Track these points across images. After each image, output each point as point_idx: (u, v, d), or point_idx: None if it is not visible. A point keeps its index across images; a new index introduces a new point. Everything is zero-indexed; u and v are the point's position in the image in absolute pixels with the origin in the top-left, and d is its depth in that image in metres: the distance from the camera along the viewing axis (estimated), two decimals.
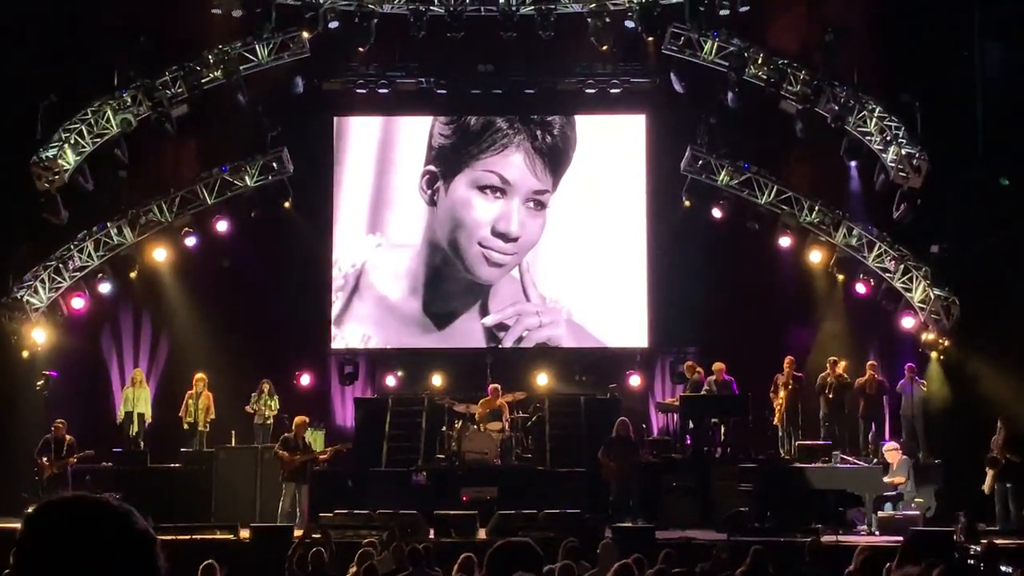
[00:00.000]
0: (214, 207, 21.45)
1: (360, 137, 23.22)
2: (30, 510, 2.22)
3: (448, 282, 22.67)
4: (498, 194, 22.55)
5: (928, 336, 20.58)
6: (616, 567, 8.49)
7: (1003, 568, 10.76)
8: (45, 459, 17.86)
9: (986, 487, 17.66)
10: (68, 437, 18.13)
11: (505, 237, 22.48)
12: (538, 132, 22.69)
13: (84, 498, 2.23)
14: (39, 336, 20.26)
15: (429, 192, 22.67)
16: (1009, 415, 17.85)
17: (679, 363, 21.92)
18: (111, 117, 20.41)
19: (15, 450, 19.12)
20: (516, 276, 22.58)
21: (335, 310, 22.64)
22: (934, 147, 19.96)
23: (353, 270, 22.67)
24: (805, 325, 22.13)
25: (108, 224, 20.95)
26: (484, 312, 22.56)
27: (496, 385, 19.95)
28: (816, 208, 21.14)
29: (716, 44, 20.74)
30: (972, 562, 12.63)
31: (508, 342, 22.51)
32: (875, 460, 18.90)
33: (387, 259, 22.76)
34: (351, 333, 22.68)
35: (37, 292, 20.40)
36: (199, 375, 20.24)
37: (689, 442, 20.03)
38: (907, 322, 20.94)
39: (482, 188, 22.59)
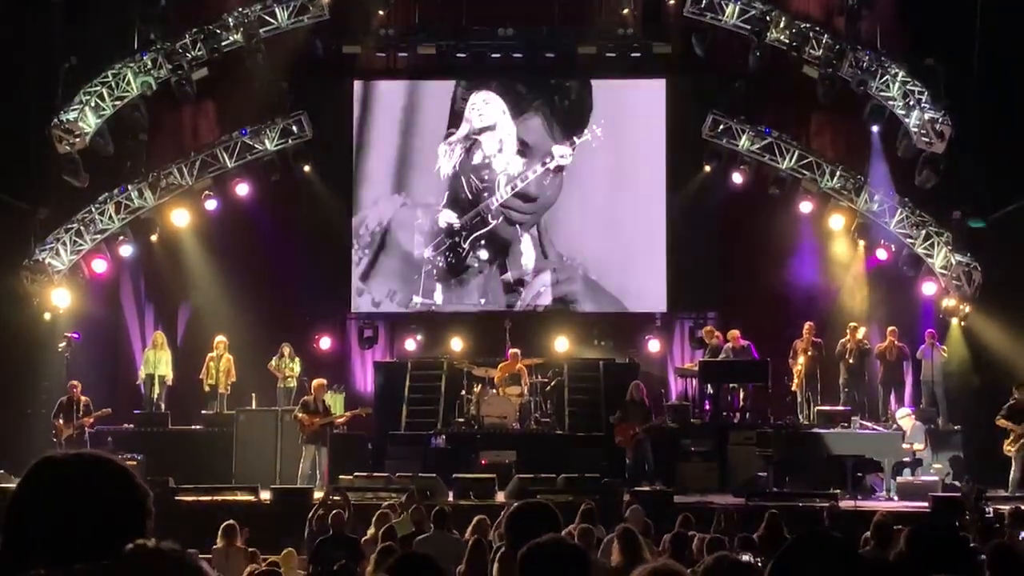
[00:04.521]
0: (234, 170, 21.48)
1: (382, 100, 23.19)
2: (33, 464, 2.24)
3: (470, 240, 22.86)
4: (518, 153, 22.74)
5: (949, 302, 20.49)
6: (618, 530, 8.49)
7: None
8: (60, 421, 18.00)
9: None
10: (83, 398, 18.24)
11: (524, 197, 22.71)
12: (555, 97, 22.79)
13: (85, 453, 2.26)
14: (61, 298, 20.33)
15: (452, 154, 22.78)
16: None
17: (698, 328, 21.92)
18: (131, 80, 20.41)
19: (37, 412, 19.27)
20: (535, 235, 22.80)
21: (362, 266, 22.87)
22: (957, 112, 19.80)
23: (379, 228, 22.89)
24: (825, 290, 22.08)
25: (129, 187, 21.00)
26: (503, 269, 22.80)
27: (516, 350, 20.00)
28: (837, 173, 21.03)
29: (738, 7, 20.56)
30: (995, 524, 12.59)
31: (527, 297, 22.70)
32: (894, 426, 18.90)
33: (411, 218, 22.98)
34: (377, 288, 22.93)
35: (59, 255, 20.49)
36: (220, 338, 20.36)
37: (708, 407, 20.04)
38: (928, 288, 20.86)
39: (502, 150, 22.73)
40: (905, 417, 18.60)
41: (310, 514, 13.16)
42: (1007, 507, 13.06)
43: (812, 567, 2.70)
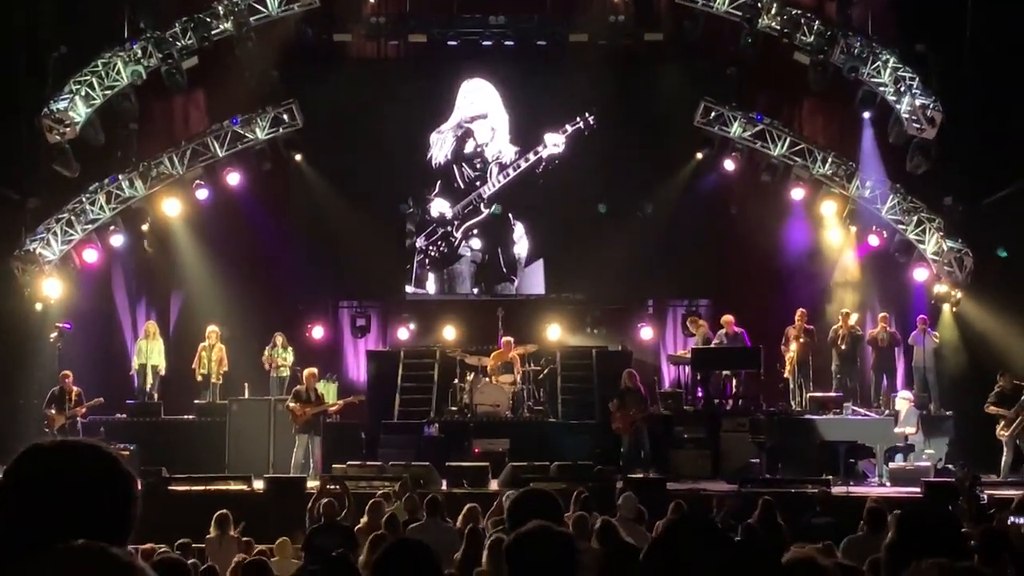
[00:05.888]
0: (225, 159, 21.42)
1: (373, 88, 23.12)
2: (18, 453, 2.24)
3: (462, 229, 23.07)
4: (510, 141, 22.87)
5: (941, 288, 20.52)
6: (599, 521, 8.51)
7: (1013, 519, 10.75)
8: (52, 411, 17.98)
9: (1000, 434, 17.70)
10: (75, 388, 18.21)
11: (517, 186, 22.94)
12: (547, 85, 22.84)
13: (70, 441, 2.27)
14: (52, 288, 20.29)
15: (444, 142, 22.83)
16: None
17: (690, 315, 21.92)
18: (122, 69, 20.33)
19: (30, 402, 19.22)
20: (527, 223, 23.19)
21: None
22: (948, 98, 19.81)
23: None
24: (817, 277, 22.09)
25: (120, 177, 20.94)
26: (496, 258, 23.17)
27: (509, 338, 20.00)
28: (829, 159, 21.03)
29: None
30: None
31: (519, 286, 22.88)
32: (886, 412, 18.95)
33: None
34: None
35: (50, 245, 20.43)
36: (212, 328, 20.33)
37: (700, 394, 20.05)
38: (920, 274, 20.88)
39: (494, 138, 22.84)
40: (903, 400, 18.62)
41: (310, 504, 13.15)
42: (1001, 493, 13.13)
43: (686, 551, 2.79)
